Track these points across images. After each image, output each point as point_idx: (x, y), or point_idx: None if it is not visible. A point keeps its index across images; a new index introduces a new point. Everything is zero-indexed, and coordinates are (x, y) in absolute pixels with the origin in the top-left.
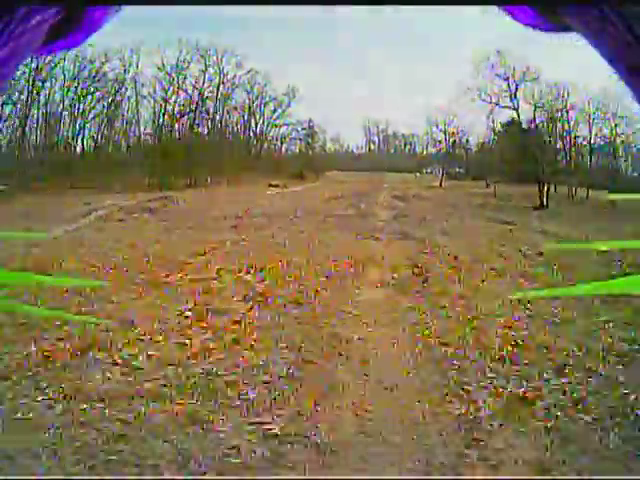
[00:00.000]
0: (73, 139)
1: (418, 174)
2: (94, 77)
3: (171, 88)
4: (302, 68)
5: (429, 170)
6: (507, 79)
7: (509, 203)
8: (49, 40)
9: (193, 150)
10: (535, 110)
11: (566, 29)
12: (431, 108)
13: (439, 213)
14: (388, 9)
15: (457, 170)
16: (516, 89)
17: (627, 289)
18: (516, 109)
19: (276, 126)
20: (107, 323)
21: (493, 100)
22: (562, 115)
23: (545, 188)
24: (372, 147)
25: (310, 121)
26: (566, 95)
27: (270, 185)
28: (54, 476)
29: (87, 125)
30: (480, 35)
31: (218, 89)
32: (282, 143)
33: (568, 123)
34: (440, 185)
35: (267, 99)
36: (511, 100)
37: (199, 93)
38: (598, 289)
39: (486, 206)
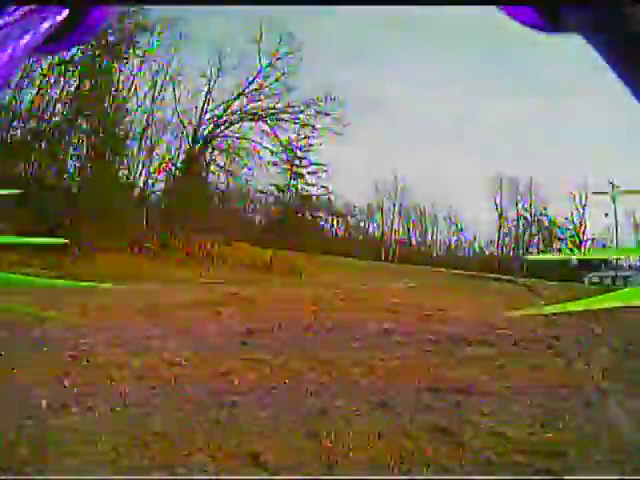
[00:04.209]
0: None
1: None
2: None
3: None
4: None
5: None
6: None
7: None
8: (49, 40)
9: None
10: None
11: (566, 29)
12: None
13: None
14: None
15: None
16: None
17: (626, 301)
18: None
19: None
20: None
21: None
22: None
23: None
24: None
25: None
26: None
27: None
28: (54, 476)
29: None
30: None
31: None
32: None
33: None
34: None
35: None
36: None
37: None
38: (595, 303)
39: None
